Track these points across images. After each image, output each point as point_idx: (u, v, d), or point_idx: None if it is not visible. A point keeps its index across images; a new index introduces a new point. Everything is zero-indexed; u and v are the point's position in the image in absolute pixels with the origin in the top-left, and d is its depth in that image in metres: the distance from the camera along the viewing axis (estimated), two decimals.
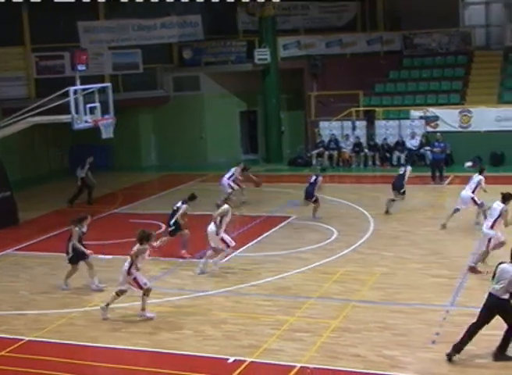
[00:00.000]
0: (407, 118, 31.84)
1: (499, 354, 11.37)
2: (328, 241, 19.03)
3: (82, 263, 15.70)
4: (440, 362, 11.31)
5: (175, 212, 17.66)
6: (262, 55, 32.46)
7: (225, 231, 16.64)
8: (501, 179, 26.74)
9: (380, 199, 23.42)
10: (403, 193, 21.82)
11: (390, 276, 15.92)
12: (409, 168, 22.35)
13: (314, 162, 32.06)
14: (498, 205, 15.78)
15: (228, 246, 16.48)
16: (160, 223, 20.89)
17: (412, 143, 31.07)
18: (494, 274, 11.32)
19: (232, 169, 24.18)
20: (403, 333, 12.57)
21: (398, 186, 21.80)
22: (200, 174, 30.67)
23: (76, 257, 15.63)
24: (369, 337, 12.45)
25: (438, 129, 30.91)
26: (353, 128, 32.41)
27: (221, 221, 16.39)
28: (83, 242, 15.73)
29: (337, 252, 17.80)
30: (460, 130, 30.84)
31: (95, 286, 15.67)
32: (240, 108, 35.25)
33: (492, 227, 15.69)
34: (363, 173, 29.45)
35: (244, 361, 11.64)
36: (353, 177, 29.76)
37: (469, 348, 11.70)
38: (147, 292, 13.80)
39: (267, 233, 20.01)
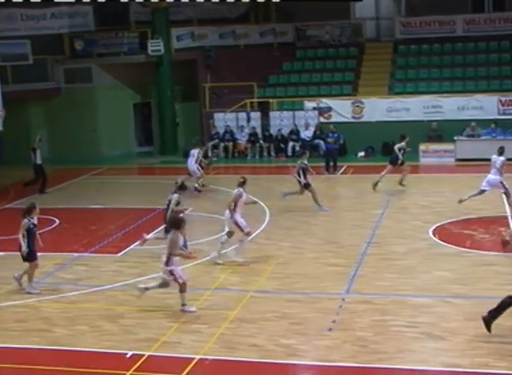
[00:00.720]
0: (301, 109, 32.19)
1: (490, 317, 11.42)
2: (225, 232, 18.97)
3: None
4: (336, 349, 11.46)
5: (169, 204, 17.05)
6: (155, 46, 32.13)
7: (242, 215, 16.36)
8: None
9: (275, 190, 23.54)
10: (402, 163, 23.25)
11: (287, 265, 16.05)
12: (403, 144, 23.26)
13: (209, 153, 32.00)
14: None
15: (242, 230, 16.18)
16: (54, 218, 20.43)
17: (306, 134, 31.45)
18: None
19: (195, 152, 23.87)
20: (300, 321, 12.67)
21: (394, 160, 23.22)
22: (94, 168, 30.19)
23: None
24: (266, 326, 12.50)
25: (331, 120, 31.40)
26: (248, 119, 32.58)
27: (235, 205, 16.15)
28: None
29: (234, 243, 17.80)
30: (352, 120, 31.40)
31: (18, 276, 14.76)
32: (134, 100, 34.86)
33: None
34: (258, 164, 29.56)
35: (143, 355, 11.49)
36: (249, 168, 29.79)
37: (362, 334, 11.93)
38: (183, 287, 13.30)
39: (163, 226, 19.81)
